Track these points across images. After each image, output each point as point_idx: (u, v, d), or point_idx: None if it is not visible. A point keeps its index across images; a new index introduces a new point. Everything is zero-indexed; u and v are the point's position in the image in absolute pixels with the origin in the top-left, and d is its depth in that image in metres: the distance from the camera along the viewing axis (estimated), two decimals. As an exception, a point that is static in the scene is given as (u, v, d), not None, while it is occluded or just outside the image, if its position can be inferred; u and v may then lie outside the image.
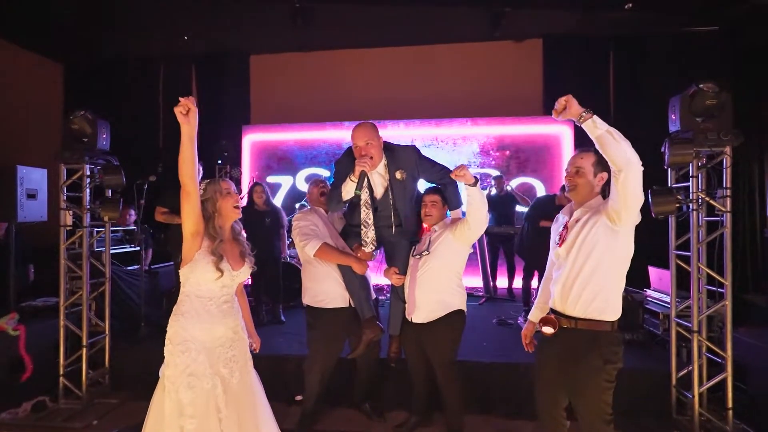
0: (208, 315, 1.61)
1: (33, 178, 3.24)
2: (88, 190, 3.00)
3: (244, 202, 4.26)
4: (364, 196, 2.23)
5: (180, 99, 1.48)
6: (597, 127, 1.53)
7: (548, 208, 3.89)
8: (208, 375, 1.56)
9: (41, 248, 3.79)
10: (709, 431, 2.46)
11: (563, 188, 4.03)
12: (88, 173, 3.00)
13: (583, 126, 1.56)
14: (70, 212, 3.01)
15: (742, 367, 2.70)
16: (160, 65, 6.13)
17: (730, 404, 2.45)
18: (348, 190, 2.22)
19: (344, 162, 2.31)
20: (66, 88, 6.15)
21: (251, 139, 6.02)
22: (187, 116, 1.50)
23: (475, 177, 2.08)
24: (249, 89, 6.12)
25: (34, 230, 3.56)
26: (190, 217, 1.57)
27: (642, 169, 1.52)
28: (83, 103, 3.31)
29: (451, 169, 2.44)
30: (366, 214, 2.29)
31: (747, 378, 2.75)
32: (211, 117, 6.15)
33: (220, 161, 5.50)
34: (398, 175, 2.27)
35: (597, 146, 1.57)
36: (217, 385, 1.57)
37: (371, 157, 2.16)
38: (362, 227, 2.31)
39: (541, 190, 5.40)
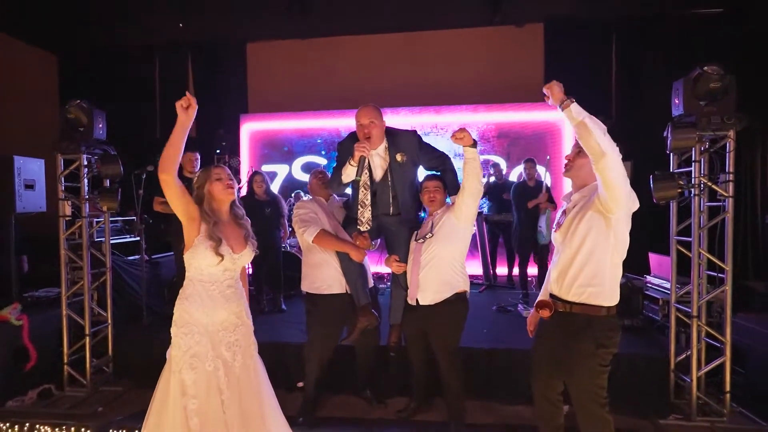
0: (210, 299, 1.65)
1: (30, 168, 3.23)
2: (86, 180, 2.99)
3: (243, 192, 4.25)
4: (363, 177, 2.25)
5: (187, 93, 1.56)
6: (575, 117, 1.55)
7: (525, 191, 4.20)
8: (210, 357, 1.60)
9: (40, 239, 3.78)
10: (706, 414, 2.49)
11: (530, 160, 4.32)
12: (86, 163, 2.99)
13: (564, 113, 1.58)
14: (69, 202, 3.00)
15: (740, 351, 2.72)
16: (155, 54, 6.04)
17: (728, 388, 2.47)
18: (348, 174, 2.25)
19: (347, 145, 2.33)
20: (61, 78, 6.08)
21: (249, 128, 5.97)
22: (187, 110, 1.56)
23: (474, 140, 2.10)
24: (246, 78, 6.04)
25: (34, 221, 3.54)
26: (177, 205, 1.61)
27: (619, 157, 1.52)
28: (79, 93, 3.26)
29: (451, 157, 2.44)
30: (363, 195, 2.31)
31: (746, 363, 2.77)
32: (209, 106, 6.07)
33: (218, 151, 5.47)
34: (399, 157, 2.28)
35: (576, 136, 1.58)
36: (219, 367, 1.61)
37: (369, 138, 2.19)
38: (359, 207, 2.32)
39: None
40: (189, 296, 1.64)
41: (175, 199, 1.59)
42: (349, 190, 2.49)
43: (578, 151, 1.73)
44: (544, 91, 1.61)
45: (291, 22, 5.24)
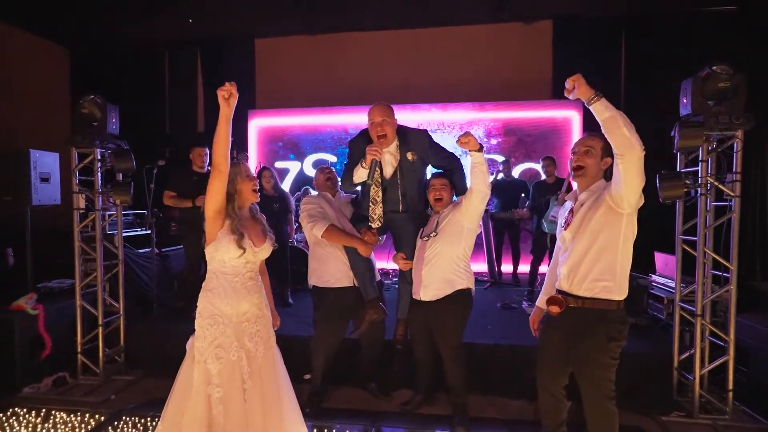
0: (234, 291, 1.69)
1: (46, 161, 3.30)
2: (99, 174, 3.06)
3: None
4: (375, 174, 2.29)
5: (226, 83, 1.57)
6: (605, 110, 1.55)
7: (544, 189, 4.15)
8: (234, 348, 1.65)
9: (49, 231, 3.84)
10: (709, 412, 2.51)
11: (550, 158, 4.27)
12: (99, 157, 3.05)
13: (591, 108, 1.58)
14: (83, 195, 3.07)
15: (744, 350, 2.72)
16: (165, 49, 6.10)
17: (730, 386, 2.49)
18: (360, 175, 2.31)
19: (359, 142, 2.37)
20: (72, 72, 6.16)
21: (257, 124, 6.02)
22: (228, 100, 1.58)
23: (480, 144, 2.12)
24: (254, 73, 6.08)
25: (44, 213, 3.60)
26: (216, 196, 1.63)
27: (643, 154, 1.54)
28: (90, 88, 3.31)
29: (459, 157, 2.47)
30: (375, 192, 2.35)
31: (749, 361, 2.77)
32: (216, 101, 6.12)
33: (226, 146, 5.51)
34: (409, 156, 2.32)
35: (603, 129, 1.59)
36: (243, 357, 1.66)
37: (384, 136, 2.23)
38: (370, 204, 2.36)
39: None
40: (213, 288, 1.69)
41: (219, 191, 1.63)
42: (358, 187, 2.53)
43: (586, 150, 1.75)
44: (569, 83, 1.58)
45: (299, 18, 5.26)
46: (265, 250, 1.78)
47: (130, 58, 5.97)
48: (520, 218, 4.63)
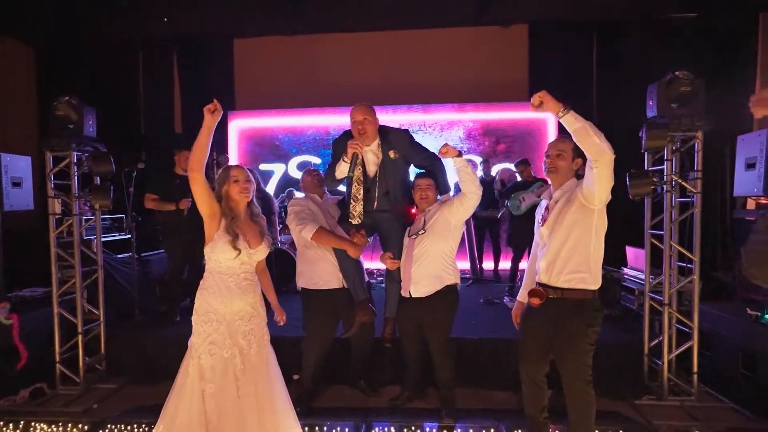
0: (227, 290, 1.74)
1: (18, 166, 3.16)
2: (76, 178, 2.97)
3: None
4: (357, 172, 2.35)
5: (214, 99, 1.68)
6: (575, 122, 1.67)
7: (521, 188, 4.23)
8: (228, 345, 1.71)
9: (18, 236, 3.67)
10: (677, 394, 2.69)
11: (524, 162, 4.37)
12: (76, 161, 2.97)
13: (561, 120, 1.70)
14: (59, 200, 2.98)
15: (707, 336, 2.93)
16: (139, 50, 5.94)
17: (695, 369, 2.67)
18: (342, 170, 2.35)
19: (341, 142, 2.42)
20: (39, 72, 5.90)
21: (237, 125, 5.95)
22: (213, 114, 1.65)
23: (458, 150, 2.22)
24: (233, 74, 6.01)
25: (11, 219, 3.42)
26: (202, 200, 1.71)
27: (613, 157, 1.67)
28: (59, 88, 3.19)
29: (440, 157, 2.55)
30: (356, 189, 2.40)
31: (711, 346, 2.98)
32: (194, 103, 6.02)
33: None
34: (391, 154, 2.38)
35: (574, 138, 1.71)
36: (236, 354, 1.72)
37: (364, 134, 2.28)
38: (351, 201, 2.41)
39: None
40: (208, 287, 1.76)
41: (202, 196, 1.70)
42: (343, 188, 2.57)
43: (558, 154, 1.88)
44: (535, 99, 1.69)
45: (279, 19, 5.24)
46: (261, 251, 1.83)
47: (101, 58, 5.75)
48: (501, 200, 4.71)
